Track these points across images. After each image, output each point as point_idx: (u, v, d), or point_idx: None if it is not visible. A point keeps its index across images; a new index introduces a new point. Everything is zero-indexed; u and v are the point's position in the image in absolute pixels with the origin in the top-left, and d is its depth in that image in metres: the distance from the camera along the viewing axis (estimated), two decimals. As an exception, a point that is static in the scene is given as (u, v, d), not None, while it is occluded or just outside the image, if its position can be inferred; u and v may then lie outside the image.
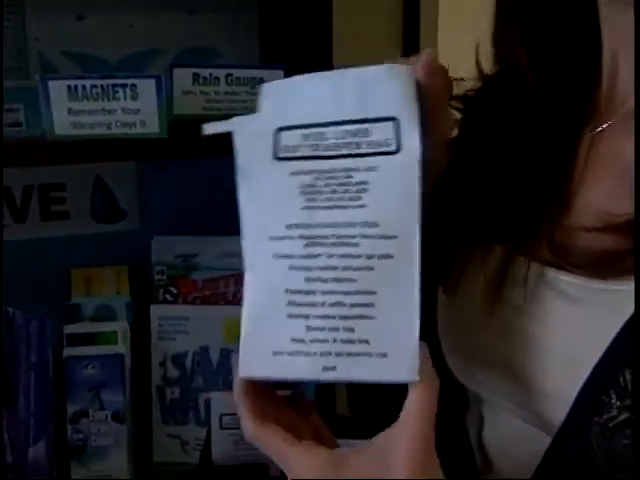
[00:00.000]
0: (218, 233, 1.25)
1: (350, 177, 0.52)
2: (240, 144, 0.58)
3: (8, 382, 1.12)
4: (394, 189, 0.51)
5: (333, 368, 0.50)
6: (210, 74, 1.07)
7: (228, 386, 1.20)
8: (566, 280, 0.58)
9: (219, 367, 1.24)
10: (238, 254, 1.33)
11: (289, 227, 0.53)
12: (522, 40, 0.63)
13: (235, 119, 0.59)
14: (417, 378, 0.48)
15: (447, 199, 0.62)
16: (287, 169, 0.55)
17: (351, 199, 0.52)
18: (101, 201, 1.31)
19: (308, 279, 0.51)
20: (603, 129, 0.62)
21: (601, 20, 0.62)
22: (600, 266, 0.56)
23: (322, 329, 0.51)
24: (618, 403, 0.53)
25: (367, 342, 0.50)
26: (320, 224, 0.52)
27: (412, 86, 0.53)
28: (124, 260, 1.28)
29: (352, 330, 0.50)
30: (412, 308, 0.49)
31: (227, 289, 1.27)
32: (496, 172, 0.63)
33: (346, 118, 0.54)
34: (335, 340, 0.50)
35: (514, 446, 0.63)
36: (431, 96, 0.53)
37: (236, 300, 1.25)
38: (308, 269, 0.52)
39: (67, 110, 0.99)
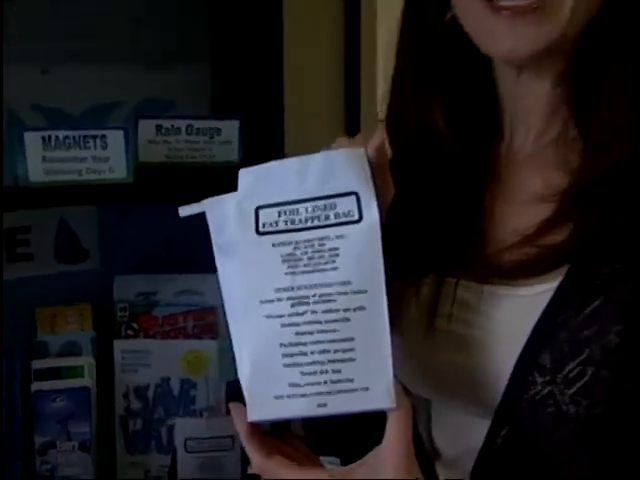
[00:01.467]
0: (176, 272, 1.34)
1: (323, 245, 0.63)
2: (215, 223, 0.68)
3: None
4: (361, 252, 0.62)
5: (325, 405, 0.61)
6: (172, 125, 1.17)
7: (189, 413, 1.30)
8: (478, 291, 0.70)
9: (179, 397, 1.31)
10: (195, 291, 1.40)
11: (277, 291, 0.62)
12: (441, 108, 0.76)
13: (207, 201, 0.69)
14: (394, 405, 0.59)
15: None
16: (269, 241, 0.64)
17: (326, 263, 0.62)
18: (64, 242, 1.39)
19: (297, 333, 0.61)
20: (503, 172, 0.77)
21: (500, 90, 0.77)
22: (518, 275, 0.69)
23: (314, 373, 0.61)
24: (541, 379, 0.66)
25: (352, 380, 0.60)
26: (302, 286, 0.62)
27: (366, 165, 0.65)
28: (87, 298, 1.35)
29: (339, 372, 0.60)
30: (385, 348, 0.61)
31: (186, 324, 1.35)
32: (425, 213, 0.75)
33: (314, 195, 0.65)
34: (325, 382, 0.60)
35: (460, 436, 0.74)
36: (379, 170, 0.65)
37: (194, 334, 1.34)
38: (297, 325, 0.61)
39: (41, 158, 1.08)
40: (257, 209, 0.65)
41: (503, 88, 0.77)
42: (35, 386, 1.22)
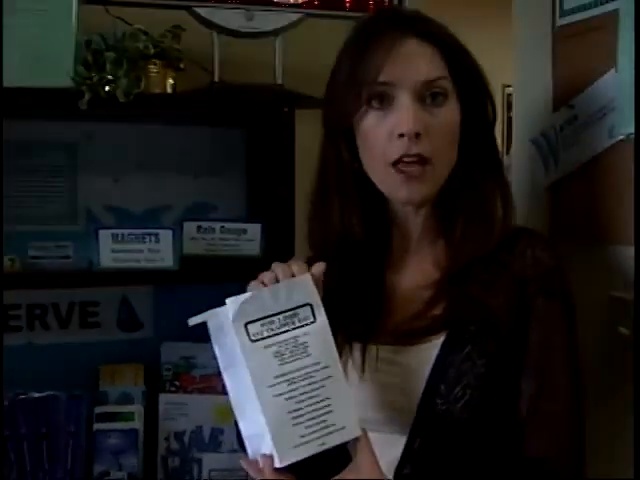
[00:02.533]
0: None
1: (297, 341, 0.95)
2: (214, 329, 0.97)
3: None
4: (322, 341, 0.95)
5: (323, 443, 0.92)
6: (209, 226, 1.54)
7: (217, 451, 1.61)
8: (390, 349, 1.04)
9: (210, 441, 1.63)
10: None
11: (276, 377, 0.93)
12: (359, 217, 1.07)
13: (207, 313, 0.96)
14: (361, 433, 0.93)
15: None
16: (261, 345, 0.95)
17: (301, 352, 0.95)
18: (125, 315, 1.75)
19: (296, 402, 0.93)
20: (398, 266, 1.10)
21: (391, 212, 1.09)
22: (415, 338, 1.02)
23: (312, 425, 0.91)
24: (440, 401, 0.98)
25: (334, 424, 0.93)
26: (291, 370, 0.94)
27: (313, 284, 0.97)
28: (141, 359, 1.69)
29: (325, 420, 0.93)
30: (349, 399, 0.95)
31: (217, 383, 1.67)
32: (346, 301, 1.07)
33: (283, 309, 0.96)
34: (320, 429, 0.92)
35: (382, 452, 1.04)
36: (318, 285, 0.98)
37: (224, 391, 1.65)
38: (294, 397, 0.93)
39: (110, 249, 1.44)
40: (246, 324, 0.95)
41: (393, 212, 1.10)
42: (96, 426, 1.56)
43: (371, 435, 1.00)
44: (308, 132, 1.65)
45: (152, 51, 1.45)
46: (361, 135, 1.04)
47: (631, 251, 1.09)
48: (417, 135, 0.98)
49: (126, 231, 1.45)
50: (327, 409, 0.93)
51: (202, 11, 1.57)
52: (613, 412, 1.14)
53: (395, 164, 1.00)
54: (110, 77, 1.40)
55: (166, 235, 1.45)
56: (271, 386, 0.92)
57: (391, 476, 1.01)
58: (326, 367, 0.94)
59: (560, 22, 1.22)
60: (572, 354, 1.01)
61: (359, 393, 1.05)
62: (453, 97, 1.02)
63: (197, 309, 1.73)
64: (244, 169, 1.81)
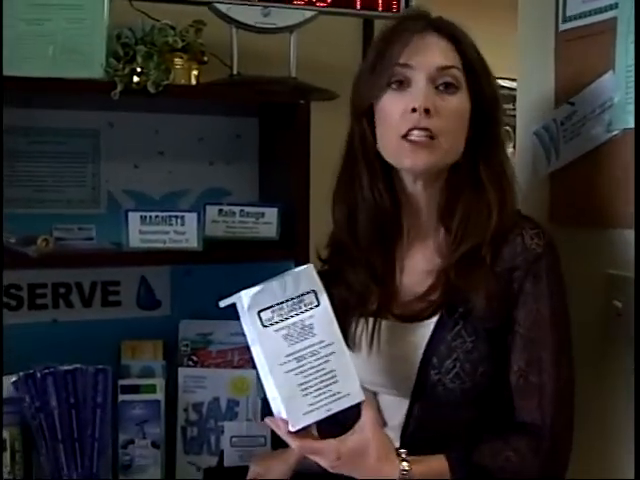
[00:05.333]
0: (227, 318, 1.75)
1: (303, 323, 1.10)
2: (241, 312, 1.11)
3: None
4: (325, 322, 1.10)
5: (330, 409, 1.07)
6: (230, 209, 1.63)
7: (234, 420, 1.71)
8: (396, 325, 1.17)
9: (226, 412, 1.73)
10: (239, 333, 1.84)
11: (287, 356, 1.09)
12: (384, 186, 1.20)
13: (236, 297, 1.12)
14: (364, 398, 1.07)
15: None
16: (272, 329, 1.10)
17: (308, 333, 1.10)
18: (144, 294, 1.84)
19: (305, 375, 1.09)
20: (406, 250, 1.23)
21: (400, 194, 1.22)
22: (416, 318, 1.16)
23: (320, 395, 1.08)
24: (433, 372, 1.11)
25: (339, 392, 1.09)
26: (299, 349, 1.09)
27: (315, 273, 1.11)
28: (160, 336, 1.78)
29: (331, 390, 1.09)
30: (351, 370, 1.09)
31: (233, 358, 1.77)
32: (359, 277, 1.21)
33: (290, 297, 1.10)
34: (326, 397, 1.08)
35: (393, 411, 1.18)
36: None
37: (239, 365, 1.76)
38: (303, 372, 1.09)
39: (139, 231, 1.54)
40: (259, 312, 1.10)
41: (404, 190, 1.21)
42: (121, 397, 1.66)
43: (384, 397, 1.15)
44: (318, 122, 1.76)
45: (180, 45, 1.54)
46: (379, 112, 1.16)
47: (623, 233, 1.22)
48: (427, 111, 1.10)
49: (153, 213, 1.54)
50: (332, 380, 1.08)
51: (222, 7, 1.67)
52: (607, 371, 1.28)
53: (405, 137, 1.12)
54: (139, 69, 1.49)
55: (191, 218, 1.55)
56: (282, 364, 1.08)
57: (399, 434, 1.15)
58: (330, 344, 1.09)
59: (562, 27, 1.34)
60: (558, 331, 1.12)
61: (370, 360, 1.18)
62: (463, 89, 1.14)
63: (210, 289, 1.85)
64: (257, 157, 1.90)
